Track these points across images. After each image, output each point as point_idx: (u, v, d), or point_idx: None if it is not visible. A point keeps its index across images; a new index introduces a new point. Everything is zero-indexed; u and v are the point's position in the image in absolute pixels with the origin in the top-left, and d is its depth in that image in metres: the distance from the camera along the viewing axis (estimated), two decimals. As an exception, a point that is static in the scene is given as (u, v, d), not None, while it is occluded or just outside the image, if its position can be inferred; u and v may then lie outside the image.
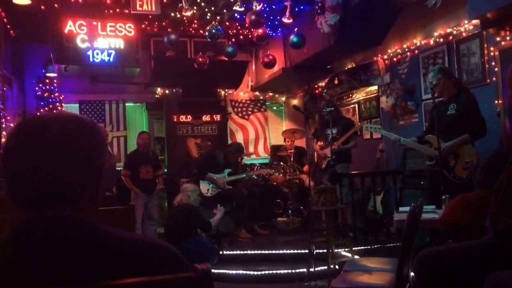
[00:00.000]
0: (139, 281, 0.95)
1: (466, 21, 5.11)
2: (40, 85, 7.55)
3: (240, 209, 6.22)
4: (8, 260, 0.95)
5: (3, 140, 5.74)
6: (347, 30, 5.91)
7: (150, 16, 7.37)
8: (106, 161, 1.10)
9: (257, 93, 9.39)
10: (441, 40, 5.56)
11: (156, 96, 8.63)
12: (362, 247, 5.17)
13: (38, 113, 7.09)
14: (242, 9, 6.39)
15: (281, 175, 7.36)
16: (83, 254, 0.96)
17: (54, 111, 7.33)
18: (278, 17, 7.18)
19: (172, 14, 7.41)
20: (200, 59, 7.29)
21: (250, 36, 8.08)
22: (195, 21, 7.86)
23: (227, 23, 7.90)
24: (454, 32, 5.35)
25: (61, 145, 1.00)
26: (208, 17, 7.39)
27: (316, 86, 8.71)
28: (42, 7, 6.75)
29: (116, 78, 8.23)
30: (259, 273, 5.04)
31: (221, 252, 5.43)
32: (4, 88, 6.38)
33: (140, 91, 8.60)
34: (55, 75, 7.48)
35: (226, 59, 7.59)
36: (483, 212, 2.47)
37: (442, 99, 4.42)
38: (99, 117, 8.35)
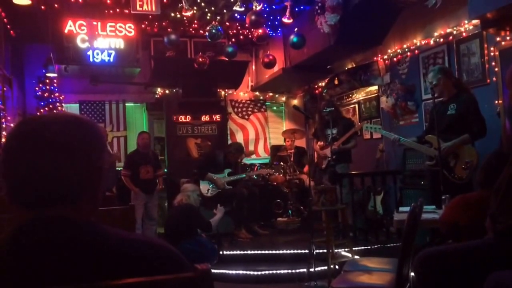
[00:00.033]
0: (139, 281, 0.95)
1: (466, 21, 5.11)
2: (40, 85, 7.55)
3: (240, 209, 6.22)
4: (8, 260, 0.95)
5: (3, 140, 5.74)
6: (347, 30, 5.91)
7: (150, 16, 7.37)
8: (106, 161, 1.10)
9: (257, 93, 9.39)
10: (441, 40, 5.56)
11: (156, 96, 8.63)
12: (362, 247, 5.17)
13: (38, 113, 7.09)
14: (242, 9, 6.40)
15: (281, 175, 7.36)
16: (83, 254, 0.96)
17: (54, 111, 7.33)
18: (278, 17, 7.18)
19: (172, 14, 7.41)
20: (200, 59, 7.29)
21: (250, 36, 8.07)
22: (195, 21, 7.86)
23: (227, 23, 7.90)
24: (454, 32, 5.35)
25: (61, 145, 1.00)
26: (208, 17, 7.39)
27: (316, 86, 8.71)
28: (42, 7, 6.75)
29: (116, 78, 8.23)
30: (259, 273, 5.04)
31: (221, 252, 5.43)
32: (4, 88, 6.38)
33: (140, 91, 8.60)
34: (55, 75, 7.48)
35: (226, 59, 7.59)
36: (483, 212, 2.47)
37: (442, 99, 4.42)
38: (99, 117, 8.35)
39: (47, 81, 7.55)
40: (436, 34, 5.61)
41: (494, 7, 4.04)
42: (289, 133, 7.60)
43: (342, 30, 5.90)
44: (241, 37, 8.49)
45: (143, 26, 7.86)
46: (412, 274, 2.71)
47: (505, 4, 3.90)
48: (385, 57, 6.66)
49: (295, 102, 9.43)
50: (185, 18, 7.24)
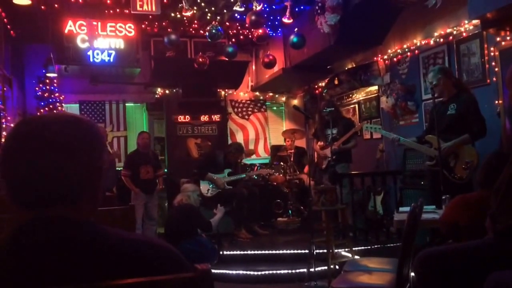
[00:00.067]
0: (139, 281, 0.95)
1: (466, 21, 5.11)
2: (40, 85, 7.55)
3: (240, 209, 6.22)
4: (8, 260, 0.95)
5: (3, 140, 5.74)
6: (347, 30, 5.91)
7: (150, 16, 7.37)
8: (106, 161, 1.10)
9: (257, 93, 9.39)
10: (441, 40, 5.56)
11: (156, 96, 8.63)
12: (362, 247, 5.17)
13: (38, 113, 7.09)
14: (242, 9, 6.40)
15: (281, 175, 7.36)
16: (83, 254, 0.96)
17: (54, 111, 7.33)
18: (278, 17, 7.18)
19: (172, 14, 7.41)
20: (200, 59, 7.29)
21: (250, 36, 8.08)
22: (195, 21, 7.86)
23: (227, 23, 7.91)
24: (454, 32, 5.35)
25: (61, 145, 1.00)
26: (208, 17, 7.40)
27: (316, 86, 8.71)
28: (42, 7, 6.75)
29: (116, 78, 8.23)
30: (259, 273, 5.04)
31: (221, 252, 5.43)
32: (4, 88, 6.38)
33: (140, 91, 8.60)
34: (55, 75, 7.49)
35: (226, 59, 7.59)
36: (483, 212, 2.47)
37: (442, 99, 4.42)
38: (99, 117, 8.35)
39: (47, 81, 7.55)
40: (436, 34, 5.61)
41: (494, 7, 4.04)
42: (289, 133, 7.60)
43: (342, 30, 5.90)
44: (241, 37, 8.49)
45: (143, 26, 7.86)
46: (412, 274, 2.71)
47: (505, 4, 3.90)
48: (385, 57, 6.66)
49: (295, 102, 9.43)
50: (185, 18, 7.24)
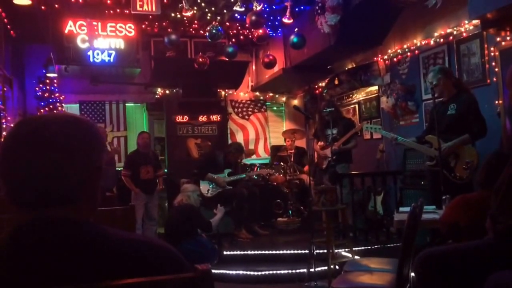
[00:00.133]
0: (139, 281, 0.95)
1: (466, 21, 5.11)
2: (41, 85, 7.56)
3: (240, 209, 6.22)
4: (8, 260, 0.95)
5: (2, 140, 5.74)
6: (348, 30, 5.91)
7: (150, 17, 7.38)
8: (105, 161, 1.10)
9: (257, 93, 9.39)
10: (442, 40, 5.56)
11: (156, 96, 8.63)
12: (363, 248, 5.17)
13: (38, 114, 7.09)
14: (243, 9, 6.40)
15: (281, 175, 7.36)
16: (83, 254, 0.96)
17: (54, 111, 7.33)
18: (278, 18, 7.18)
19: (173, 15, 7.42)
20: (200, 59, 7.29)
21: (250, 36, 8.08)
22: (196, 22, 7.86)
23: (227, 24, 7.91)
24: (455, 32, 5.35)
25: (60, 145, 1.00)
26: (208, 18, 7.40)
27: (316, 86, 8.71)
28: (43, 7, 6.76)
29: (117, 78, 8.23)
30: (259, 273, 5.04)
31: (221, 252, 5.43)
32: (5, 89, 6.38)
33: (140, 92, 8.61)
34: (55, 75, 7.49)
35: (227, 59, 7.60)
36: (484, 213, 2.47)
37: (442, 99, 4.42)
38: (100, 117, 8.36)
39: (47, 81, 7.56)
40: (436, 34, 5.61)
41: (494, 7, 4.04)
42: (289, 133, 7.60)
43: (342, 30, 5.90)
44: (241, 37, 8.49)
45: (143, 26, 7.87)
46: (413, 274, 2.71)
47: (505, 4, 3.90)
48: (385, 57, 6.66)
49: (295, 102, 9.43)
50: (185, 18, 7.25)
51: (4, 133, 5.92)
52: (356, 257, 4.55)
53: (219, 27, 6.66)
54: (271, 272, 5.02)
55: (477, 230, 2.57)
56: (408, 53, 6.18)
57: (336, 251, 4.80)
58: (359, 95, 7.67)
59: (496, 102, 4.79)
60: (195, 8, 6.98)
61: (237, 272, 5.08)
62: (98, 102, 8.41)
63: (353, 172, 5.90)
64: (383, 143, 6.70)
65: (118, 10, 7.19)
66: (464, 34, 5.24)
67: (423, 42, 5.85)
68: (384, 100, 6.64)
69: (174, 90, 8.26)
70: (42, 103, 7.50)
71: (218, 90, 8.55)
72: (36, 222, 0.99)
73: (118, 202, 5.03)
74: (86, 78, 7.95)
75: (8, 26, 7.03)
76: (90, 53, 7.23)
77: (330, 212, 4.69)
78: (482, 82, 5.02)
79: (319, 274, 4.54)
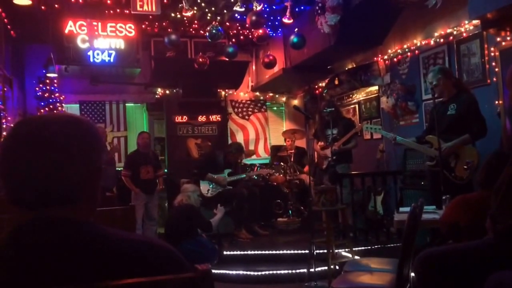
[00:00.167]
0: (139, 281, 0.95)
1: (466, 22, 5.10)
2: (41, 85, 7.55)
3: (240, 209, 6.22)
4: (8, 260, 0.95)
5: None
6: (348, 30, 5.91)
7: (150, 17, 7.38)
8: (105, 161, 1.10)
9: (257, 93, 9.39)
10: (442, 40, 5.56)
11: (156, 96, 8.63)
12: (363, 248, 5.17)
13: (38, 114, 7.09)
14: (243, 9, 6.40)
15: (281, 175, 7.36)
16: (83, 254, 0.96)
17: (55, 111, 7.33)
18: (279, 18, 7.18)
19: (173, 15, 7.42)
20: (200, 60, 7.29)
21: (250, 36, 8.09)
22: (196, 22, 7.86)
23: (227, 24, 7.91)
24: (455, 32, 5.35)
25: (60, 145, 1.00)
26: (208, 18, 7.40)
27: (316, 86, 8.71)
28: (43, 7, 6.75)
29: (117, 78, 8.23)
30: (259, 273, 5.04)
31: (221, 252, 5.43)
32: (5, 89, 6.38)
33: (141, 92, 8.61)
34: (55, 75, 7.49)
35: (227, 59, 7.60)
36: (484, 213, 2.47)
37: (442, 99, 4.42)
38: (100, 117, 8.36)
39: (48, 81, 7.55)
40: (436, 34, 5.61)
41: (494, 8, 4.04)
42: (289, 133, 7.60)
43: (342, 31, 5.90)
44: (242, 37, 8.49)
45: (143, 26, 7.87)
46: (413, 274, 2.71)
47: (505, 4, 3.90)
48: (386, 57, 6.66)
49: (295, 102, 9.43)
50: (185, 18, 7.25)
51: (4, 133, 5.92)
52: (356, 257, 4.55)
53: (219, 27, 6.66)
54: (271, 272, 5.02)
55: (477, 230, 2.57)
56: (408, 53, 6.18)
57: (336, 251, 4.80)
58: (359, 95, 7.67)
59: (496, 102, 4.79)
60: (195, 8, 6.98)
61: (237, 272, 5.08)
62: (98, 102, 8.41)
63: (353, 172, 5.90)
64: (383, 143, 6.70)
65: (118, 10, 7.19)
66: (464, 34, 5.24)
67: (423, 42, 5.85)
68: (384, 100, 6.64)
69: (174, 90, 8.26)
70: (42, 103, 7.50)
71: (218, 90, 8.55)
72: (36, 222, 0.99)
73: (118, 202, 5.03)
74: (86, 78, 7.95)
75: (8, 26, 7.03)
76: (90, 53, 7.22)
77: (330, 212, 4.69)
78: (482, 82, 5.02)
79: (319, 274, 4.54)
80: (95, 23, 7.22)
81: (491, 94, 4.86)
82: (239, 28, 8.28)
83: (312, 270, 4.54)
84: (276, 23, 7.64)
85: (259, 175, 7.41)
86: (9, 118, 6.47)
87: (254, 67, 9.25)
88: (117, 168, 7.11)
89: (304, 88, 9.10)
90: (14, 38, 7.39)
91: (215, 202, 5.98)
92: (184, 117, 8.28)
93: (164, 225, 5.82)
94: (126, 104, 8.60)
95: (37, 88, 7.58)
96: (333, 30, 5.89)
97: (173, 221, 5.28)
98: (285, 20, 6.50)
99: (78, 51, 7.16)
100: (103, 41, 7.30)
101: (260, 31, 6.78)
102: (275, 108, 9.77)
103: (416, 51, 6.03)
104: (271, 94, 9.50)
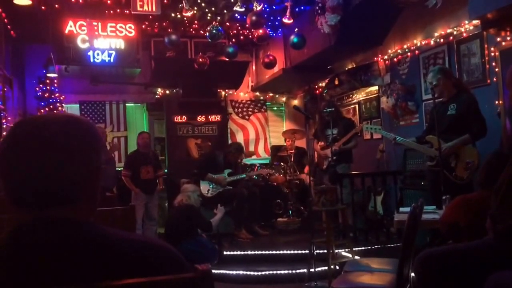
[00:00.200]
0: (139, 281, 0.95)
1: (466, 22, 5.10)
2: (41, 85, 7.56)
3: (240, 209, 6.22)
4: (8, 260, 0.95)
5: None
6: (348, 30, 5.92)
7: (150, 17, 7.38)
8: (104, 161, 1.10)
9: (257, 93, 9.40)
10: (442, 40, 5.56)
11: (156, 96, 8.63)
12: (363, 248, 5.17)
13: (38, 113, 7.09)
14: (243, 9, 6.40)
15: (281, 175, 7.36)
16: (83, 254, 0.96)
17: (55, 111, 7.33)
18: (279, 18, 7.18)
19: (173, 15, 7.42)
20: (200, 60, 7.29)
21: (250, 36, 8.08)
22: (196, 22, 7.86)
23: (227, 24, 7.91)
24: (455, 32, 5.35)
25: (60, 145, 1.00)
26: (208, 18, 7.40)
27: (316, 86, 8.71)
28: (43, 7, 6.75)
29: (117, 78, 8.23)
30: (259, 273, 5.04)
31: (221, 253, 5.43)
32: (5, 89, 6.38)
33: (141, 92, 8.61)
34: (55, 75, 7.49)
35: (227, 59, 7.60)
36: (484, 213, 2.47)
37: (442, 99, 4.42)
38: (100, 117, 8.36)
39: (48, 81, 7.56)
40: (436, 34, 5.61)
41: (494, 8, 4.04)
42: (290, 134, 7.60)
43: (342, 31, 5.90)
44: (242, 37, 8.49)
45: (143, 26, 7.87)
46: (413, 274, 2.71)
47: (505, 4, 3.90)
48: (386, 57, 6.66)
49: (295, 102, 9.43)
50: (185, 18, 7.24)
51: (4, 133, 5.92)
52: (356, 257, 4.55)
53: (219, 27, 6.66)
54: (271, 272, 5.02)
55: (477, 230, 2.57)
56: (408, 53, 6.18)
57: (336, 251, 4.80)
58: (359, 95, 7.67)
59: (496, 102, 4.78)
60: (195, 8, 6.98)
61: (237, 272, 5.08)
62: (98, 102, 8.41)
63: (353, 172, 5.90)
64: (383, 143, 6.70)
65: (118, 10, 7.19)
66: (464, 34, 5.24)
67: (423, 42, 5.85)
68: (384, 100, 6.64)
69: (174, 90, 8.26)
70: (42, 103, 7.50)
71: (218, 90, 8.55)
72: (36, 222, 0.99)
73: (118, 202, 5.03)
74: (86, 78, 7.95)
75: (8, 26, 7.03)
76: (90, 53, 7.23)
77: (330, 212, 4.69)
78: (482, 82, 5.02)
79: (319, 274, 4.54)
80: (95, 23, 7.22)
81: (491, 94, 4.86)
82: (239, 28, 8.28)
83: (312, 270, 4.54)
84: (276, 23, 7.64)
85: (259, 175, 7.41)
86: (9, 118, 6.47)
87: (254, 67, 9.25)
88: (117, 168, 7.12)
89: (304, 88, 9.10)
90: (14, 38, 7.39)
91: (215, 202, 5.98)
92: (184, 117, 8.28)
93: (164, 225, 5.82)
94: (126, 104, 8.61)
95: (37, 88, 7.59)
96: (333, 30, 5.89)
97: (173, 221, 5.28)
98: (285, 20, 6.50)
99: (78, 51, 7.16)
100: (103, 41, 7.30)
101: (260, 31, 6.78)
102: (275, 108, 9.77)
103: (416, 51, 6.03)
104: (271, 94, 9.50)
